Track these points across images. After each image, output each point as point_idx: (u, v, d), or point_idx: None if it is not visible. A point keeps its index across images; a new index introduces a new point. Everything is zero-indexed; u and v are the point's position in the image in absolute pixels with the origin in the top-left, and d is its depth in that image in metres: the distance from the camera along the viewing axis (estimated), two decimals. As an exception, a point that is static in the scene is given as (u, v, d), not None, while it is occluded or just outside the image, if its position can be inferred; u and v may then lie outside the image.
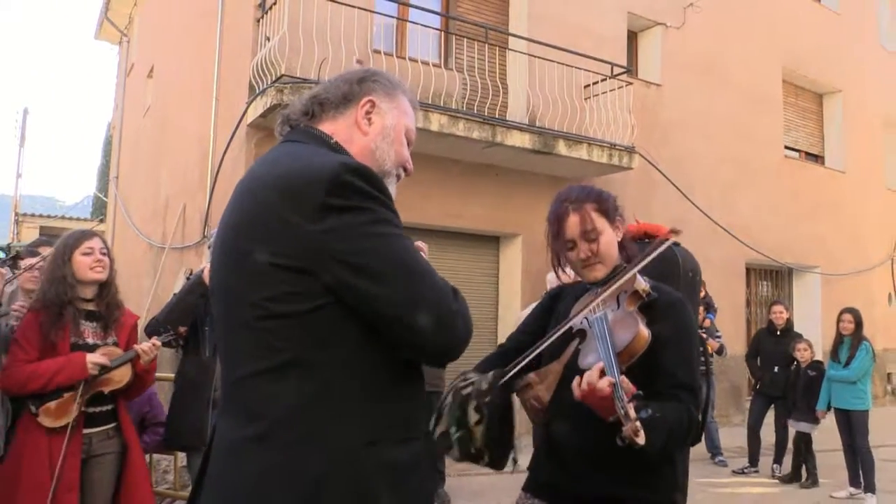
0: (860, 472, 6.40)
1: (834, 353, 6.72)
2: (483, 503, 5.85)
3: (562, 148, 8.30)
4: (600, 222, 2.07)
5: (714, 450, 7.93)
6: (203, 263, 6.94)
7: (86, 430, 3.08)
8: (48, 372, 2.94)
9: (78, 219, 20.09)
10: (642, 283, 1.99)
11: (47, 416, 2.98)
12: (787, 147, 12.36)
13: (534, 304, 2.54)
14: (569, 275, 2.28)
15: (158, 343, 3.29)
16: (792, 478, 7.04)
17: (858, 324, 6.60)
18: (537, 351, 1.97)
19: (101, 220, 17.93)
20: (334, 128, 1.53)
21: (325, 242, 1.30)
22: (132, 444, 3.23)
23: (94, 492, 3.12)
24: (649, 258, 2.00)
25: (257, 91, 7.04)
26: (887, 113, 14.14)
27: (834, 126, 13.18)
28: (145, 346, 3.20)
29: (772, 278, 12.25)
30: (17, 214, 17.46)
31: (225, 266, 1.43)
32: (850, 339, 6.59)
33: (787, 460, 7.24)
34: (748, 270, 11.46)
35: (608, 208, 2.11)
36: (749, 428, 7.60)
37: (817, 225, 12.09)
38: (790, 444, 7.17)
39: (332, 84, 1.58)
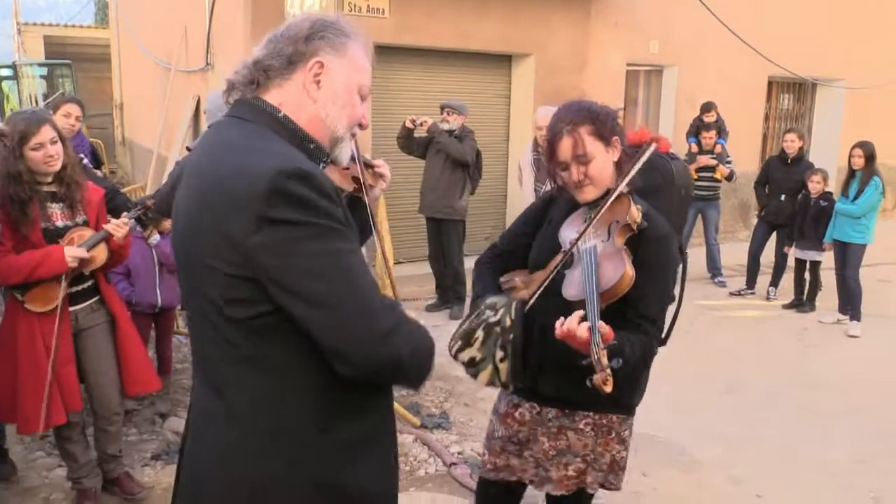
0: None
1: (844, 188, 6.68)
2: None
3: (577, -39, 7.76)
4: (593, 146, 2.11)
5: (714, 270, 8.20)
6: (208, 90, 6.87)
7: (71, 308, 3.15)
8: (27, 266, 2.97)
9: (81, 26, 19.42)
10: (635, 214, 2.05)
11: (33, 303, 3.06)
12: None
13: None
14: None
15: (128, 220, 3.28)
16: (796, 303, 7.26)
17: (870, 158, 6.49)
18: (544, 285, 2.08)
19: (104, 26, 17.35)
20: (282, 97, 1.44)
21: (258, 257, 1.27)
22: (119, 313, 3.31)
23: (93, 360, 3.24)
24: (634, 170, 2.07)
25: None
26: None
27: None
28: (116, 222, 3.19)
29: (794, 91, 11.86)
30: (18, 24, 16.87)
31: (183, 257, 1.44)
32: (860, 174, 6.52)
33: (787, 286, 7.46)
34: (770, 83, 11.07)
35: (604, 131, 2.13)
36: (750, 254, 7.76)
37: (846, 35, 11.43)
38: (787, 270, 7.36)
39: (277, 45, 1.46)
